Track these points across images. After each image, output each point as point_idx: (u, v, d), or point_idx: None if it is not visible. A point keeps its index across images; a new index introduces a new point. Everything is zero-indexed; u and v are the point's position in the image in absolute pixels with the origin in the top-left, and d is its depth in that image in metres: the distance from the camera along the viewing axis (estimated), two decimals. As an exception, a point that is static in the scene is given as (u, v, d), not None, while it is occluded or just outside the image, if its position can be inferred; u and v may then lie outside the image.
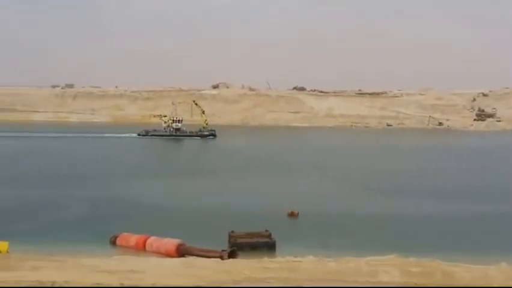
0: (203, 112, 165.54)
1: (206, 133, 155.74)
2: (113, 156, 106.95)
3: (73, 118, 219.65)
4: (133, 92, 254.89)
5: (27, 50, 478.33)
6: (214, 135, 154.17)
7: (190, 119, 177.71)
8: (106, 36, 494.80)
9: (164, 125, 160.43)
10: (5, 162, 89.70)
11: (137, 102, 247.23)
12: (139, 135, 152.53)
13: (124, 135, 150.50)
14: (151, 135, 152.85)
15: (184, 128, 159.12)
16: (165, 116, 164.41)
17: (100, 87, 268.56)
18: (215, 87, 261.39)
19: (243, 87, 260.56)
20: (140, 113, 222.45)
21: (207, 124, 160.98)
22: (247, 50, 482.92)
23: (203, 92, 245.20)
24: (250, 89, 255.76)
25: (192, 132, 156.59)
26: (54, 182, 70.01)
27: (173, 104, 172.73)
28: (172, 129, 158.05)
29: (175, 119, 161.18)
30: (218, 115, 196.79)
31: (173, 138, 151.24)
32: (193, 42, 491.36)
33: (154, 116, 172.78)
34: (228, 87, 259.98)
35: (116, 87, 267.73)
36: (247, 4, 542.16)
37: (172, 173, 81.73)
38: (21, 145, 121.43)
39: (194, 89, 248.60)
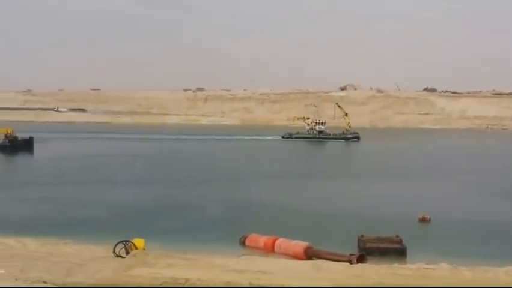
0: (346, 114, 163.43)
1: (350, 136, 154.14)
2: (256, 158, 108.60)
3: (204, 121, 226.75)
4: (261, 94, 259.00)
5: (161, 55, 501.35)
6: (357, 138, 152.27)
7: (332, 121, 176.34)
8: (234, 39, 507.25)
9: (308, 128, 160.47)
10: (142, 164, 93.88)
11: (265, 104, 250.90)
12: (283, 137, 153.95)
13: (268, 137, 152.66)
14: (294, 138, 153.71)
15: (327, 131, 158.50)
16: (308, 119, 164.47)
17: (229, 90, 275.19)
18: (343, 89, 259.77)
19: (371, 89, 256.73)
20: (267, 116, 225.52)
21: (350, 127, 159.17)
22: (375, 52, 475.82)
23: (330, 94, 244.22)
24: (379, 91, 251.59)
25: (336, 135, 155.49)
26: (191, 183, 72.66)
27: (315, 106, 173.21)
28: (315, 132, 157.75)
29: (318, 121, 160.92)
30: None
31: (317, 141, 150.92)
32: (318, 44, 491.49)
33: (298, 119, 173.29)
34: (355, 89, 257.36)
35: (244, 90, 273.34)
36: (374, 5, 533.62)
37: (309, 175, 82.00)
38: (158, 147, 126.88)
39: (321, 91, 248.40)
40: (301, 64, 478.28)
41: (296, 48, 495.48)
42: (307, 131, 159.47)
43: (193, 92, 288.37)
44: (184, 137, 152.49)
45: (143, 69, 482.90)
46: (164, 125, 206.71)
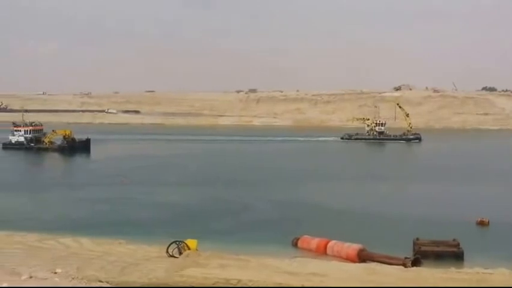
0: (407, 115, 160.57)
1: (411, 136, 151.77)
2: (314, 159, 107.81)
3: (256, 122, 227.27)
4: (313, 95, 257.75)
5: (214, 57, 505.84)
6: (419, 139, 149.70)
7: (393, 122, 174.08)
8: (286, 39, 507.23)
9: (367, 129, 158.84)
10: (196, 165, 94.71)
11: (318, 105, 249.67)
12: (341, 138, 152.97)
13: (327, 138, 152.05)
14: (354, 139, 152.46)
15: (387, 132, 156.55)
16: (368, 120, 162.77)
17: (281, 91, 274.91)
18: (397, 89, 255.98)
19: (426, 88, 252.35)
20: (320, 117, 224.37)
21: (411, 127, 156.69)
22: (431, 51, 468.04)
23: (384, 94, 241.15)
24: (435, 91, 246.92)
25: (396, 136, 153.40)
26: (244, 184, 72.93)
27: (375, 107, 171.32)
28: (375, 133, 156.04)
29: (378, 122, 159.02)
30: (401, 118, 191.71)
31: (377, 142, 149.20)
32: (372, 44, 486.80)
33: (357, 120, 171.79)
34: (410, 89, 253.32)
35: (297, 91, 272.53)
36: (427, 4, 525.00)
37: (367, 177, 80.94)
38: (211, 148, 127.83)
39: (375, 92, 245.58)
40: (355, 64, 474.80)
41: (350, 48, 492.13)
42: (367, 132, 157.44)
43: (246, 93, 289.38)
44: (236, 138, 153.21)
45: (196, 72, 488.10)
46: (217, 126, 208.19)
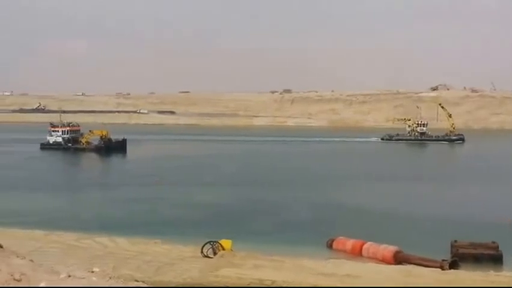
0: (449, 116, 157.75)
1: (454, 137, 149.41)
2: (353, 160, 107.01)
3: (290, 122, 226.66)
4: (348, 95, 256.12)
5: (249, 57, 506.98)
6: (462, 140, 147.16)
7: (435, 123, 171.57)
8: (321, 39, 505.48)
9: (409, 129, 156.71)
10: (230, 165, 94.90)
11: (353, 106, 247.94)
12: (382, 139, 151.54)
13: (367, 139, 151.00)
14: (395, 140, 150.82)
15: (429, 132, 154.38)
16: (409, 120, 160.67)
17: (316, 92, 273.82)
18: (434, 89, 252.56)
19: (464, 88, 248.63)
20: (355, 117, 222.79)
21: (453, 128, 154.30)
22: (468, 50, 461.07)
23: (421, 94, 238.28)
24: (473, 91, 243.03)
25: (438, 137, 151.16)
26: (279, 185, 72.88)
27: (417, 107, 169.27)
28: (416, 134, 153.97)
29: (419, 122, 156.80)
30: (439, 119, 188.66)
31: (418, 143, 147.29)
32: (408, 44, 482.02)
33: (398, 120, 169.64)
34: (448, 89, 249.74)
35: (332, 91, 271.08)
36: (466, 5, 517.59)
37: (407, 178, 79.91)
38: (245, 148, 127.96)
39: (412, 92, 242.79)
40: (391, 64, 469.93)
41: (386, 48, 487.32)
42: (408, 132, 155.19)
43: (280, 93, 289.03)
44: (271, 138, 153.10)
45: (231, 72, 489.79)
46: (251, 127, 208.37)
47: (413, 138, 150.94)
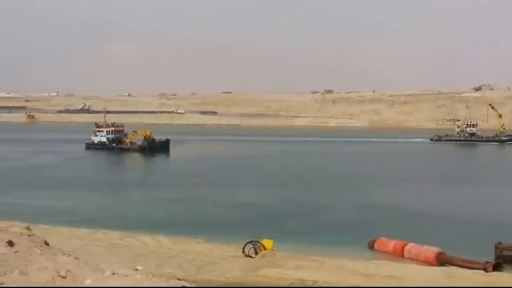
0: (500, 116, 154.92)
1: (504, 138, 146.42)
2: (400, 161, 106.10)
3: (332, 123, 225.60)
4: (390, 96, 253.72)
5: (290, 58, 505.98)
6: None
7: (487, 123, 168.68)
8: (362, 39, 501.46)
9: (458, 130, 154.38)
10: (272, 166, 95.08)
11: (394, 106, 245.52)
12: (431, 140, 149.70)
13: (415, 140, 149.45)
14: (444, 140, 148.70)
15: (479, 133, 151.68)
16: (458, 121, 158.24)
17: (358, 92, 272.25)
18: (477, 89, 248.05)
19: (508, 89, 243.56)
20: (397, 118, 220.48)
21: (504, 129, 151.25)
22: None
23: (464, 94, 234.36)
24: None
25: (489, 137, 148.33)
26: (321, 185, 72.85)
27: (467, 107, 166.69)
28: (466, 134, 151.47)
29: (469, 123, 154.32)
30: (482, 119, 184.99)
31: (468, 144, 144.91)
32: (449, 43, 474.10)
33: (447, 121, 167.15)
34: (491, 89, 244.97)
35: (373, 91, 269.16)
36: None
37: (453, 179, 78.82)
38: (286, 149, 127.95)
39: (454, 92, 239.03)
40: (433, 64, 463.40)
41: (427, 48, 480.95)
42: (457, 133, 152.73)
43: (322, 94, 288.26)
44: (312, 139, 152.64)
45: (273, 73, 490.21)
46: (293, 127, 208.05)
47: (462, 138, 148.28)
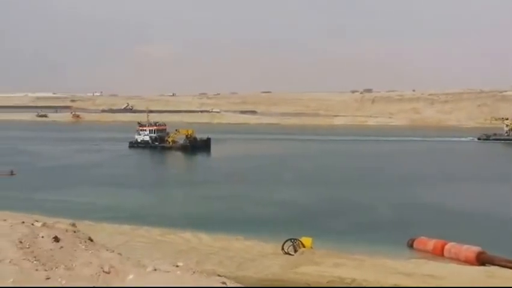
0: None
1: None
2: (445, 160, 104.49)
3: (371, 122, 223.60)
4: (430, 95, 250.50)
5: (329, 57, 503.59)
6: None
7: None
8: (400, 40, 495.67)
9: (506, 129, 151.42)
10: (311, 164, 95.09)
11: (434, 105, 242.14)
12: (479, 139, 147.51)
13: (462, 139, 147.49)
14: (492, 140, 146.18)
15: None
16: (507, 119, 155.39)
17: (397, 91, 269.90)
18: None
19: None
20: (437, 116, 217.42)
21: None
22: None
23: (506, 93, 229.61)
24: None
25: None
26: (360, 183, 72.74)
27: None
28: None
29: None
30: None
31: None
32: (491, 43, 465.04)
33: (496, 120, 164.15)
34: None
35: (413, 90, 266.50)
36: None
37: (498, 179, 77.07)
38: (326, 148, 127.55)
39: (496, 90, 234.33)
40: (473, 64, 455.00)
41: (466, 47, 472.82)
42: (506, 132, 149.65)
43: (361, 93, 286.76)
44: (352, 138, 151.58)
45: (312, 72, 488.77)
46: (332, 126, 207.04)
47: (511, 138, 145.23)
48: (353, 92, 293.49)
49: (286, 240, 37.82)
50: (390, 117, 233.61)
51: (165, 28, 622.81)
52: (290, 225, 45.81)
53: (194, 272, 15.59)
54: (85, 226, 31.03)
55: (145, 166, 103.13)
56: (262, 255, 36.86)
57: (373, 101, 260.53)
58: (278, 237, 39.14)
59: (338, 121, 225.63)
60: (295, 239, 38.03)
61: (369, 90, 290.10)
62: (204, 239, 41.70)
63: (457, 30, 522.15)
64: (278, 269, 33.45)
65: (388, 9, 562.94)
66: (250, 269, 33.47)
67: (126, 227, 45.25)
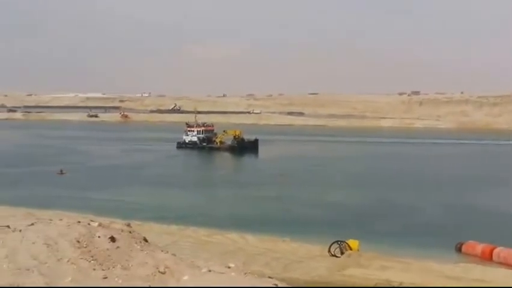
0: None
1: None
2: (496, 163, 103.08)
3: (418, 124, 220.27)
4: (479, 97, 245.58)
5: (377, 59, 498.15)
6: None
7: None
8: (448, 41, 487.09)
9: None
10: (358, 166, 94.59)
11: (483, 108, 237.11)
12: None
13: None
14: None
15: None
16: None
17: (445, 94, 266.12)
18: None
19: None
20: (486, 119, 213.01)
21: None
22: None
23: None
24: None
25: None
26: (408, 186, 72.09)
27: None
28: None
29: None
30: None
31: None
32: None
33: None
34: None
35: (461, 93, 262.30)
36: None
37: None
38: (373, 150, 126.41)
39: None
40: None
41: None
42: None
43: (408, 95, 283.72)
44: (399, 140, 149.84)
45: (359, 74, 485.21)
46: (379, 128, 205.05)
47: None
48: (401, 94, 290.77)
49: (333, 243, 37.89)
50: (437, 120, 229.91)
51: (216, 29, 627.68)
52: (337, 227, 45.81)
53: (246, 274, 15.96)
54: (134, 226, 31.64)
55: (192, 166, 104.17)
56: (308, 257, 36.99)
57: (421, 104, 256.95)
58: (325, 239, 39.20)
59: (385, 123, 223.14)
60: (342, 241, 38.06)
61: (416, 93, 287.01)
62: (250, 240, 41.99)
63: (507, 30, 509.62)
64: (325, 271, 33.55)
65: (436, 10, 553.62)
66: (297, 270, 33.65)
67: (174, 227, 45.80)
